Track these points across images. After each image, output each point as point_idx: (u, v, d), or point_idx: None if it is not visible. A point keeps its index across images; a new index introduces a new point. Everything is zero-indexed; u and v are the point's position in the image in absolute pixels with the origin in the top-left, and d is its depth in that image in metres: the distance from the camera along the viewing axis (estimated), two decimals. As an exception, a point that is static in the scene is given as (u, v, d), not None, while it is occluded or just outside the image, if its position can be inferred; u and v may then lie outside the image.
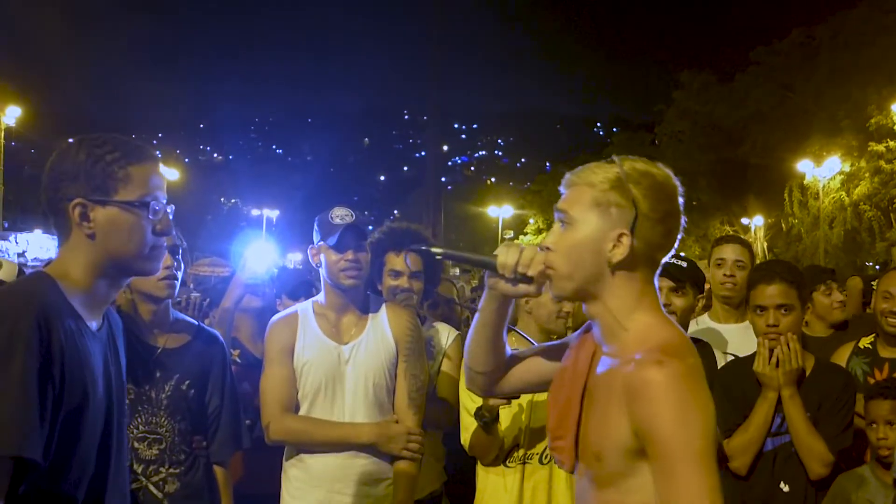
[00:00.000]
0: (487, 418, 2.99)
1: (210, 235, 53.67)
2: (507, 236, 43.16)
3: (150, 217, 1.86)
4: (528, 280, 1.81)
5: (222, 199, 62.58)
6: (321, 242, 3.09)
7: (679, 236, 1.79)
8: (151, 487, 2.82)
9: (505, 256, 1.83)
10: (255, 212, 57.54)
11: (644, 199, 1.71)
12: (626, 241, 1.71)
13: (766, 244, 32.55)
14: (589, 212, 1.74)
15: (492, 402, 2.91)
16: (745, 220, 34.34)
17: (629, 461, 1.64)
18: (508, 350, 2.06)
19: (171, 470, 2.85)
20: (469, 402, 3.13)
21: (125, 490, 1.95)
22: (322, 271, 3.13)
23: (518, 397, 2.94)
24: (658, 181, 1.74)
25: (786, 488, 3.09)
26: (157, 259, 1.92)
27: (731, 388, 3.21)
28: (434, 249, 2.00)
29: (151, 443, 2.83)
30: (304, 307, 3.19)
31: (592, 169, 1.78)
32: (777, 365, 3.09)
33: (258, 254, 3.60)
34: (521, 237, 41.85)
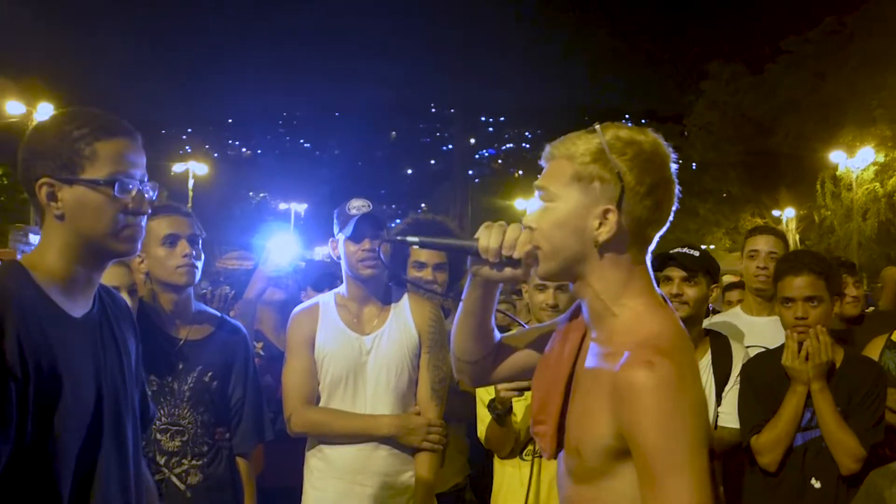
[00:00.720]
0: (500, 410, 2.97)
1: (239, 229, 54.06)
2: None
3: (120, 196, 1.75)
4: (514, 263, 1.69)
5: (251, 193, 62.96)
6: (339, 234, 3.07)
7: (674, 207, 1.63)
8: (174, 479, 2.82)
9: (487, 239, 1.69)
10: (282, 205, 57.81)
11: (630, 171, 1.56)
12: (612, 217, 1.56)
13: (797, 236, 32.16)
14: (569, 187, 1.59)
15: (503, 393, 2.89)
16: (776, 212, 33.91)
17: (609, 460, 1.54)
18: (497, 336, 1.94)
19: (194, 462, 2.85)
20: (484, 394, 3.11)
21: (128, 483, 1.84)
22: (342, 263, 3.12)
23: (531, 388, 2.90)
24: (645, 149, 1.58)
25: (817, 484, 3.03)
26: (131, 240, 1.81)
27: (759, 382, 3.15)
28: (409, 238, 1.86)
29: (174, 434, 2.83)
30: (326, 298, 3.18)
31: (573, 140, 1.62)
32: (806, 358, 3.03)
33: (281, 246, 3.59)
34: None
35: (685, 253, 3.25)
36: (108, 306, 1.91)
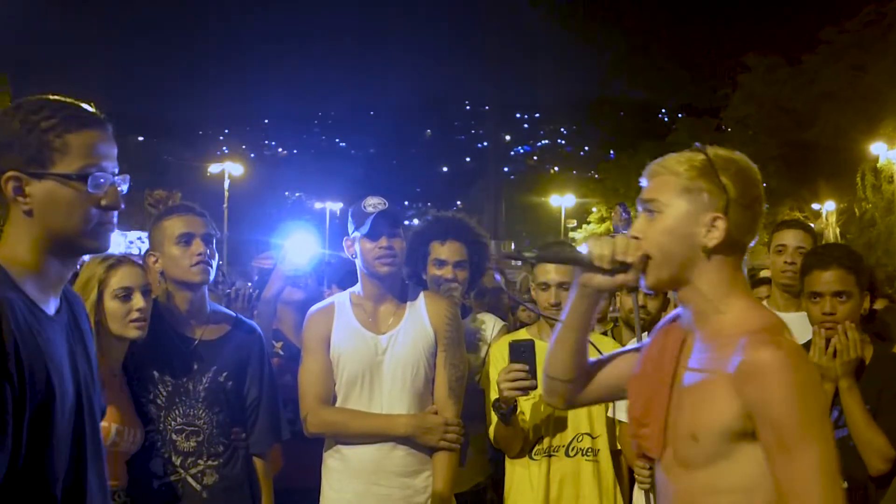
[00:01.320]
0: (504, 409, 2.96)
1: (274, 228, 54.45)
2: (569, 226, 42.83)
3: (93, 191, 1.66)
4: (625, 268, 1.81)
5: (286, 193, 63.41)
6: (355, 232, 3.05)
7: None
8: (190, 480, 2.82)
9: (600, 248, 1.82)
10: (318, 205, 58.14)
11: (733, 185, 1.74)
12: (721, 224, 1.73)
13: (838, 230, 31.63)
14: (678, 198, 1.76)
15: (506, 393, 2.87)
16: (815, 206, 33.39)
17: (728, 443, 1.66)
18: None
19: (210, 462, 2.85)
20: (494, 394, 3.09)
21: (105, 483, 1.79)
22: (358, 261, 3.10)
23: (535, 387, 2.88)
24: (742, 167, 1.78)
25: (844, 485, 2.94)
26: (104, 236, 1.73)
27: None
28: (526, 254, 2.05)
29: (189, 435, 2.83)
30: (342, 297, 3.16)
31: (676, 158, 1.79)
32: (834, 355, 2.95)
33: (299, 245, 3.57)
34: (583, 226, 41.46)
35: None
36: (71, 302, 1.83)
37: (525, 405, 3.14)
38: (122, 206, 1.73)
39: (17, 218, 1.66)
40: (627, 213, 8.29)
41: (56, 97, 1.70)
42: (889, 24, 28.77)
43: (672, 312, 1.93)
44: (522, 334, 3.37)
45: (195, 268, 2.86)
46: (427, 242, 3.52)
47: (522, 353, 2.88)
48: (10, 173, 1.63)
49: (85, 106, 1.73)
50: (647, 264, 1.79)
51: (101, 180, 1.68)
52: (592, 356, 2.07)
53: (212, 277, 2.95)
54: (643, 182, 1.85)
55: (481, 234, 3.66)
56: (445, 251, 3.48)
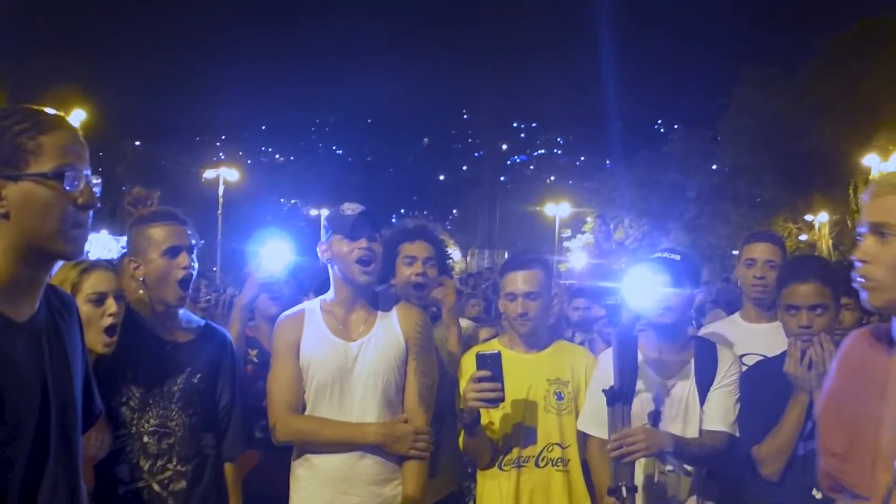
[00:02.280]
0: (467, 420, 2.95)
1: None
2: (564, 235, 42.87)
3: (69, 189, 1.67)
4: None
5: (282, 200, 63.38)
6: (333, 236, 3.03)
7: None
8: (156, 486, 2.79)
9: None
10: (313, 212, 58.14)
11: None
12: None
13: (831, 241, 31.69)
14: None
15: (471, 403, 2.86)
16: (808, 217, 33.49)
17: None
18: None
19: (179, 467, 2.82)
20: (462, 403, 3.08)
21: (77, 485, 1.79)
22: (332, 267, 3.08)
23: (503, 399, 2.87)
24: None
25: (818, 495, 2.93)
26: (77, 240, 1.73)
27: (761, 391, 3.06)
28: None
29: (161, 437, 2.81)
30: (312, 304, 3.15)
31: None
32: (810, 367, 2.93)
33: (274, 252, 3.55)
34: (578, 235, 41.53)
35: (667, 258, 3.17)
36: (54, 308, 1.83)
37: (494, 415, 3.13)
38: (98, 205, 1.73)
39: None
40: (607, 226, 8.33)
41: (22, 105, 1.71)
42: (884, 36, 28.90)
43: (853, 335, 1.91)
44: (494, 345, 3.36)
45: (180, 283, 2.85)
46: (395, 246, 3.52)
47: (489, 364, 2.86)
48: None
49: (50, 110, 1.73)
50: (872, 287, 1.76)
51: (76, 179, 1.68)
52: None
53: (190, 289, 2.94)
54: (865, 198, 1.81)
55: (446, 239, 3.71)
56: (415, 248, 3.52)
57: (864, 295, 1.80)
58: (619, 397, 2.78)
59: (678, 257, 3.20)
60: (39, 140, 1.65)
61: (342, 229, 3.00)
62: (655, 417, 3.04)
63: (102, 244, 21.31)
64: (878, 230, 1.75)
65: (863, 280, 1.78)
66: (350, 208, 3.05)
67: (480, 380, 2.86)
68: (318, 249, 3.14)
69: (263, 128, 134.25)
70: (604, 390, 2.84)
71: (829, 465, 1.84)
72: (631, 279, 3.01)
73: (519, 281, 3.23)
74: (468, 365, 3.22)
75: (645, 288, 2.98)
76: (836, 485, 1.80)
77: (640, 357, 2.96)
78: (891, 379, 1.75)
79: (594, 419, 3.07)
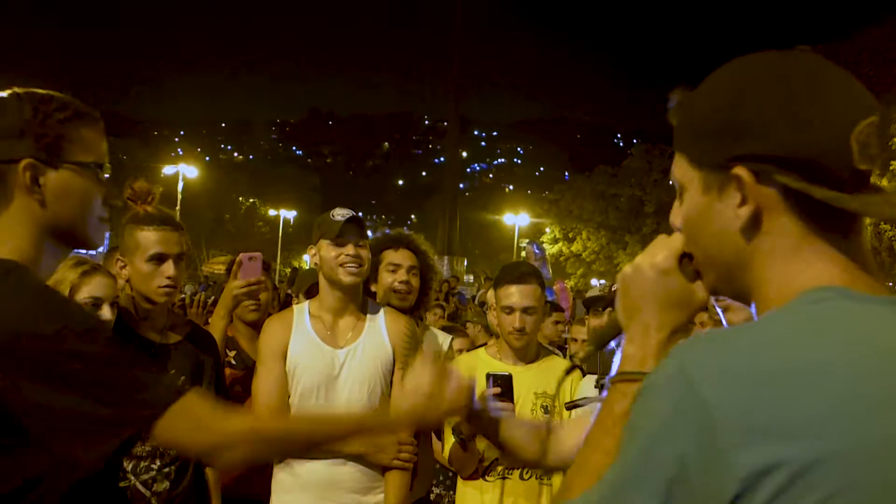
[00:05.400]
0: (465, 436, 2.93)
1: (227, 234, 53.94)
2: (522, 245, 43.09)
3: (101, 183, 1.67)
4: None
5: (240, 199, 62.80)
6: (321, 240, 3.04)
7: None
8: (140, 486, 2.77)
9: None
10: (272, 211, 57.71)
11: None
12: None
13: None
14: None
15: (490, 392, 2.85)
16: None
17: None
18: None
19: (163, 469, 2.81)
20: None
21: None
22: (321, 272, 3.09)
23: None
24: None
25: None
26: (102, 230, 1.72)
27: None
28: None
29: (145, 438, 2.79)
30: (301, 308, 3.14)
31: None
32: None
33: (250, 262, 3.54)
34: (541, 243, 41.82)
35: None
36: None
37: None
38: (122, 203, 1.74)
39: (24, 209, 1.60)
40: (540, 251, 8.45)
41: (53, 92, 1.67)
42: (843, 62, 29.58)
43: None
44: (482, 354, 3.39)
45: (161, 290, 2.82)
46: (378, 253, 3.53)
47: (500, 384, 2.80)
48: (27, 161, 1.58)
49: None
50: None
51: (105, 174, 1.68)
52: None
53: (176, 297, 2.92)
54: None
55: (430, 251, 3.71)
56: (399, 256, 3.52)
57: None
58: None
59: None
60: (81, 130, 1.64)
61: (330, 234, 3.01)
62: None
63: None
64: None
65: None
66: (340, 214, 3.06)
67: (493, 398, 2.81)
68: (308, 252, 3.15)
69: (223, 125, 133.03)
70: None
71: None
72: None
73: (518, 295, 3.23)
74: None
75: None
76: None
77: None
78: None
79: None
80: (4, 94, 1.63)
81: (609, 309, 4.03)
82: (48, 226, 1.63)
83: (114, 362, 1.49)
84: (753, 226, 1.04)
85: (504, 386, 2.79)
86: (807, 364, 0.91)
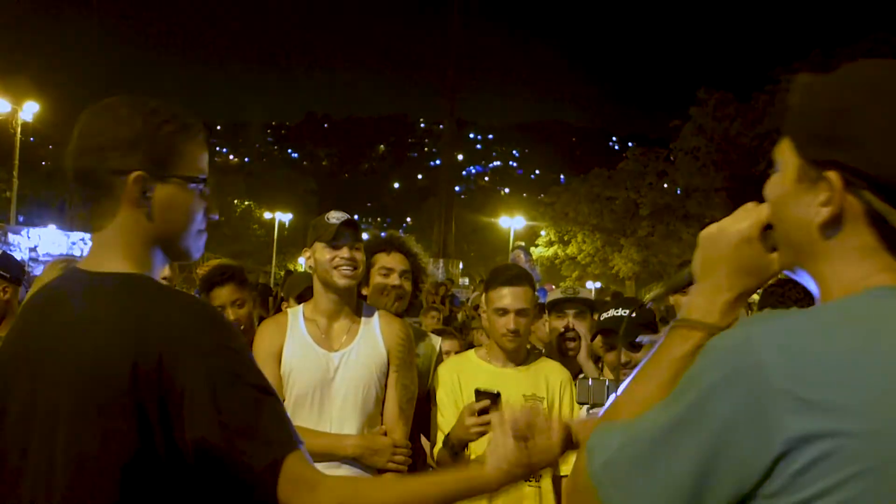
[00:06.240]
0: (456, 448, 2.94)
1: (222, 237, 53.85)
2: (516, 246, 43.09)
3: (203, 196, 1.66)
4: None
5: (236, 202, 62.70)
6: (316, 243, 3.04)
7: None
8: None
9: None
10: (267, 214, 57.63)
11: None
12: None
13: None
14: None
15: (471, 435, 2.85)
16: (758, 240, 34.14)
17: None
18: None
19: None
20: (441, 418, 3.12)
21: None
22: (315, 274, 3.08)
23: (486, 433, 2.91)
24: None
25: None
26: (201, 243, 1.71)
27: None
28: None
29: None
30: (295, 311, 3.13)
31: None
32: None
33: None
34: (532, 248, 41.86)
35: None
36: None
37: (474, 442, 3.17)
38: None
39: (133, 221, 1.59)
40: (528, 256, 8.51)
41: (163, 101, 1.66)
42: (837, 67, 29.63)
43: None
44: (471, 356, 3.38)
45: None
46: (370, 256, 3.53)
47: (487, 399, 2.80)
48: (137, 173, 1.56)
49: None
50: None
51: (207, 189, 1.67)
52: None
53: None
54: None
55: (422, 252, 3.72)
56: (392, 260, 3.51)
57: None
58: None
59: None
60: (188, 144, 1.63)
61: (325, 237, 3.01)
62: None
63: (52, 239, 20.92)
64: None
65: None
66: (334, 216, 3.06)
67: (482, 412, 2.80)
68: (303, 255, 3.14)
69: (218, 127, 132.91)
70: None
71: None
72: None
73: (511, 297, 3.22)
74: (446, 375, 3.27)
75: None
76: None
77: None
78: None
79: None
80: (115, 102, 1.61)
81: (574, 311, 4.07)
82: (154, 238, 1.61)
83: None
84: (831, 225, 1.14)
85: (492, 402, 2.79)
86: (862, 349, 1.02)
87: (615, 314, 3.37)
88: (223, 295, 3.67)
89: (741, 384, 1.02)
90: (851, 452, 0.97)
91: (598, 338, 3.63)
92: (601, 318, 3.58)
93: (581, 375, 3.43)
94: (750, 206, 1.32)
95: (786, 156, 1.22)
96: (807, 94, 1.20)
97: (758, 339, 1.04)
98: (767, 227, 1.27)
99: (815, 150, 1.15)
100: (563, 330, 4.01)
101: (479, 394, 2.85)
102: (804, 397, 0.99)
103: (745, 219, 1.30)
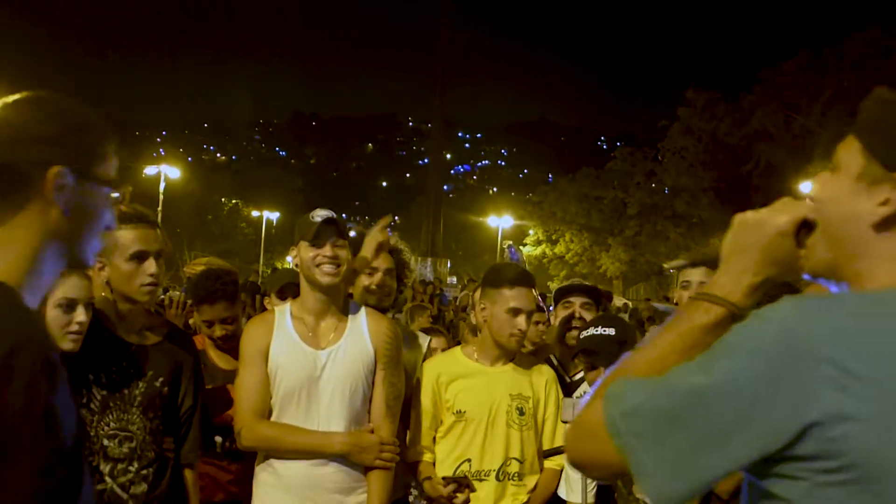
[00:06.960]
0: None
1: (210, 235, 53.71)
2: (505, 246, 43.16)
3: (113, 203, 1.61)
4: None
5: (223, 200, 62.51)
6: (300, 241, 3.03)
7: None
8: (117, 489, 2.75)
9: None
10: (255, 212, 57.49)
11: None
12: None
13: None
14: None
15: (444, 491, 3.13)
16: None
17: None
18: None
19: (141, 471, 2.78)
20: (426, 420, 3.27)
21: None
22: (301, 272, 3.07)
23: (474, 490, 3.17)
24: None
25: None
26: (97, 249, 1.63)
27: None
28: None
29: (122, 440, 2.77)
30: (282, 309, 3.13)
31: None
32: None
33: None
34: (520, 247, 41.88)
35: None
36: None
37: (454, 429, 3.23)
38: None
39: (41, 217, 1.51)
40: (516, 255, 8.54)
41: (75, 100, 1.60)
42: (824, 67, 29.79)
43: None
44: (457, 353, 3.40)
45: (144, 288, 2.80)
46: (355, 254, 3.52)
47: (456, 483, 3.17)
48: (58, 168, 1.49)
49: None
50: None
51: (119, 196, 1.62)
52: None
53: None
54: None
55: (406, 249, 3.72)
56: (377, 259, 3.48)
57: None
58: None
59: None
60: (107, 147, 1.58)
61: (308, 235, 3.00)
62: None
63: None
64: None
65: None
66: (318, 215, 3.05)
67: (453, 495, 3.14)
68: (290, 254, 3.13)
69: (206, 125, 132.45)
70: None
71: None
72: None
73: (526, 298, 3.25)
74: (431, 373, 3.33)
75: None
76: None
77: None
78: None
79: (569, 483, 3.20)
80: (39, 97, 1.55)
81: (581, 300, 4.04)
82: (55, 237, 1.53)
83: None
84: (885, 224, 1.22)
85: (461, 484, 3.12)
86: None
87: (595, 332, 3.32)
88: (213, 312, 3.63)
89: (785, 350, 1.09)
90: (876, 431, 1.07)
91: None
92: (581, 338, 3.51)
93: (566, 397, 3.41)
94: (788, 200, 1.37)
95: (850, 155, 1.28)
96: (887, 107, 1.28)
97: (804, 311, 1.13)
98: (803, 227, 1.32)
99: (887, 151, 1.23)
100: (567, 317, 3.93)
101: (446, 480, 3.16)
102: (844, 372, 1.07)
103: (784, 212, 1.34)
